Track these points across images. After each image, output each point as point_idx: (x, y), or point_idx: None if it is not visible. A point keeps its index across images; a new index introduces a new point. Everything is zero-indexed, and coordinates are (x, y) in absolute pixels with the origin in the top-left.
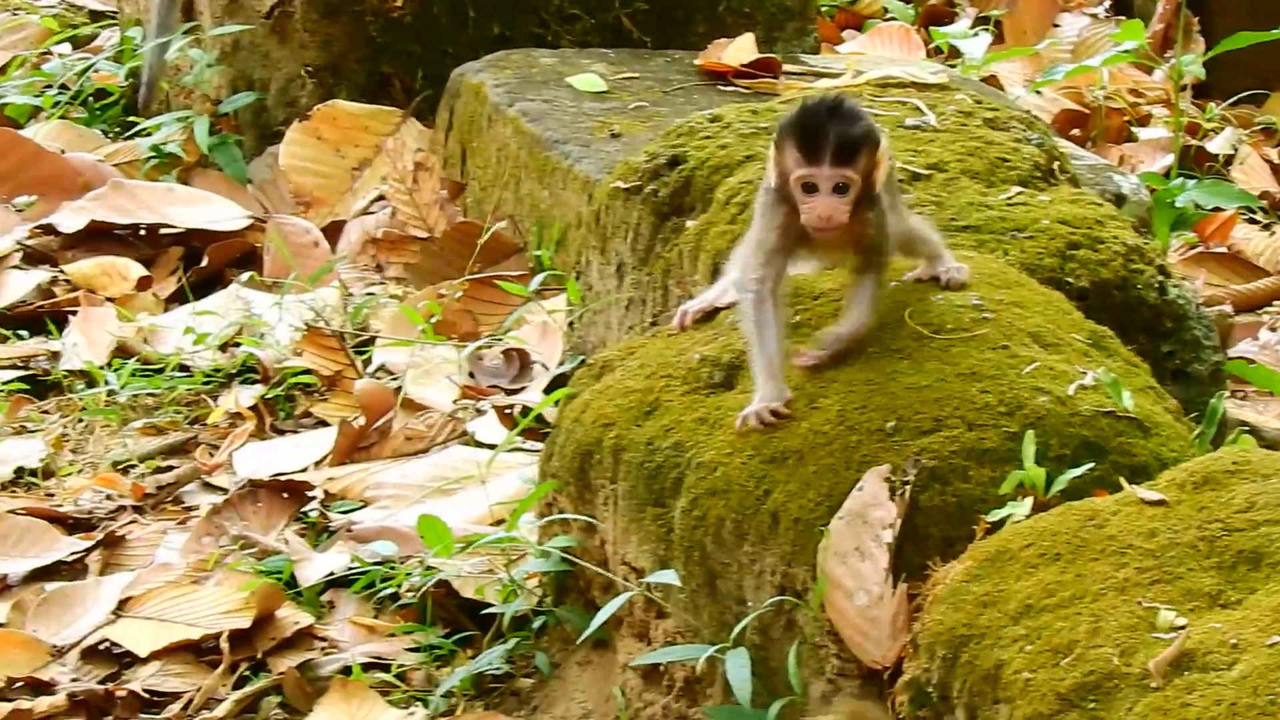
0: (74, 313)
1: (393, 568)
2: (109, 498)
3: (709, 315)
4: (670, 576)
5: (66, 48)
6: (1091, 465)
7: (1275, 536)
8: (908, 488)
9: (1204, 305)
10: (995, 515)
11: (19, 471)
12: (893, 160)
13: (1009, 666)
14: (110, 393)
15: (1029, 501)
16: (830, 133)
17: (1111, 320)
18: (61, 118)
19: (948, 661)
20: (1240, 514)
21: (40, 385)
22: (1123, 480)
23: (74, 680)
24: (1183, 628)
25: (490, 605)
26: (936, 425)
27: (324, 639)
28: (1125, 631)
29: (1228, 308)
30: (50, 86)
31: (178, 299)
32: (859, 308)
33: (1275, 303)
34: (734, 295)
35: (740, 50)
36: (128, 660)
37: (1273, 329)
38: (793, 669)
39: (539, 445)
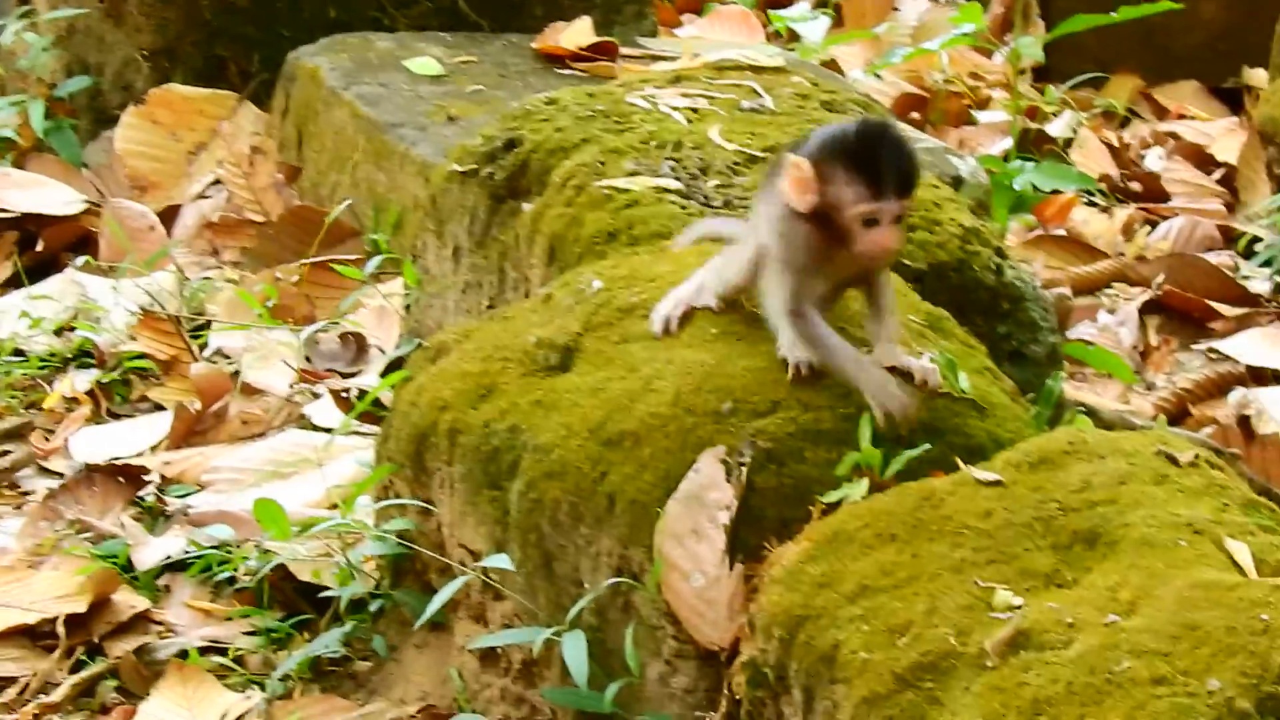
0: None
1: (229, 551)
2: None
3: (688, 317)
4: (504, 561)
5: None
6: (928, 446)
7: (1111, 516)
8: (744, 469)
9: (1043, 287)
10: (832, 496)
11: None
12: None
13: (845, 646)
14: None
15: (865, 482)
16: (892, 165)
17: (948, 302)
18: None
19: (784, 642)
20: (1076, 494)
21: None
22: (959, 461)
23: None
24: (1019, 607)
25: (327, 589)
26: (773, 407)
27: (161, 623)
28: (962, 611)
29: (1066, 290)
30: None
31: (13, 283)
32: (888, 313)
33: (1113, 285)
34: (708, 298)
35: (578, 34)
36: None
37: (1111, 311)
38: (629, 650)
39: (376, 429)
